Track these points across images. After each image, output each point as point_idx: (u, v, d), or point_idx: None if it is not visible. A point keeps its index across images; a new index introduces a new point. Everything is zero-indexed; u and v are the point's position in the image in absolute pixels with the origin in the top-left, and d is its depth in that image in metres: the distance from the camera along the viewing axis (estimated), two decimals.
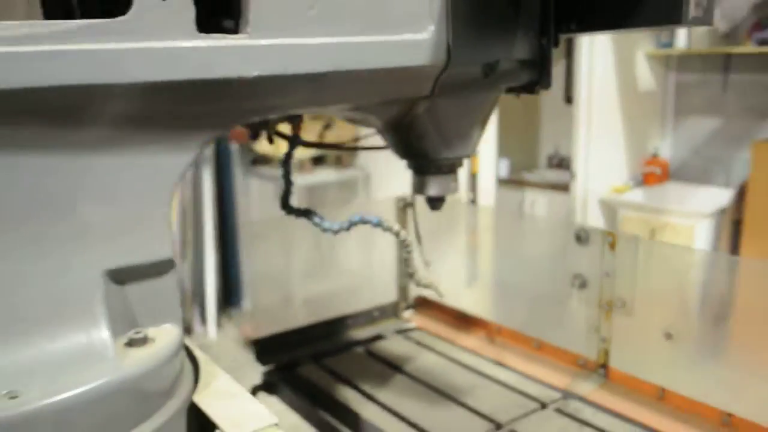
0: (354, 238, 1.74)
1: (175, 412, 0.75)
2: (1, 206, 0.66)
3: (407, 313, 1.78)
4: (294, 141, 1.06)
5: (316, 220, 1.02)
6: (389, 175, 3.78)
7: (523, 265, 1.63)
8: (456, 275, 1.77)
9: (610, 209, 4.04)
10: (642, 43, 4.14)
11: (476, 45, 0.93)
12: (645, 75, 4.22)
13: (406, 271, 1.10)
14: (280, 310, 1.72)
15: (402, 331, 1.69)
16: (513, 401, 1.31)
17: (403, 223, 1.74)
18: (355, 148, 1.23)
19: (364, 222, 1.02)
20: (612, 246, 1.34)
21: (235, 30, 0.74)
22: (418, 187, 1.11)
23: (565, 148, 4.54)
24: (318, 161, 4.25)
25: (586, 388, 1.33)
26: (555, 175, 4.61)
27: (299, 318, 1.67)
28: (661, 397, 1.25)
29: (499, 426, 1.22)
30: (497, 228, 1.73)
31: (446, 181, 1.11)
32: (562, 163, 4.74)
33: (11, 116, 0.65)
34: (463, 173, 3.03)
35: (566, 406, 1.28)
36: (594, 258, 1.37)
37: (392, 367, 1.49)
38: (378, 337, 1.66)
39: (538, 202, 4.48)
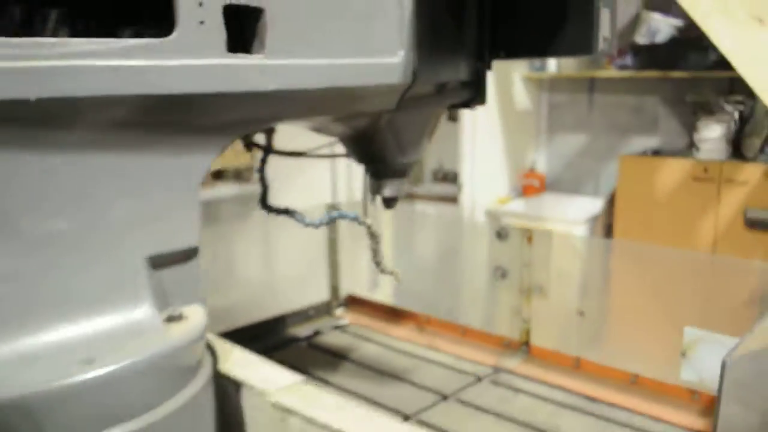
0: (288, 240, 1.87)
1: (207, 379, 0.86)
2: (63, 201, 0.76)
3: (339, 311, 1.92)
4: (268, 150, 1.19)
5: (298, 217, 1.15)
6: (288, 188, 3.90)
7: (448, 261, 1.82)
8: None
9: (495, 219, 4.36)
10: (518, 66, 4.51)
11: (433, 68, 1.10)
12: (521, 95, 4.60)
13: (373, 259, 1.25)
14: (222, 311, 1.81)
15: (337, 327, 1.83)
16: (452, 377, 1.49)
17: (332, 227, 1.89)
18: (320, 156, 1.37)
19: (342, 217, 1.17)
20: (529, 240, 1.55)
21: None
22: (375, 189, 1.27)
23: (449, 163, 4.83)
24: (218, 176, 4.28)
25: (513, 363, 1.53)
26: (441, 188, 4.89)
27: (240, 318, 1.77)
28: (577, 366, 1.47)
29: (445, 396, 1.39)
30: (422, 229, 1.91)
31: (400, 183, 1.27)
32: (446, 176, 5.03)
33: (70, 122, 0.75)
34: (358, 187, 3.23)
35: (498, 378, 1.47)
36: (513, 251, 1.58)
37: (337, 356, 1.63)
38: (317, 333, 1.79)
39: (429, 213, 4.74)
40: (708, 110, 3.78)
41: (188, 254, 0.89)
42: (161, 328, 0.81)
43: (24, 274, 0.73)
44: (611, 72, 4.24)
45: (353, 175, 3.58)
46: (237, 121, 0.91)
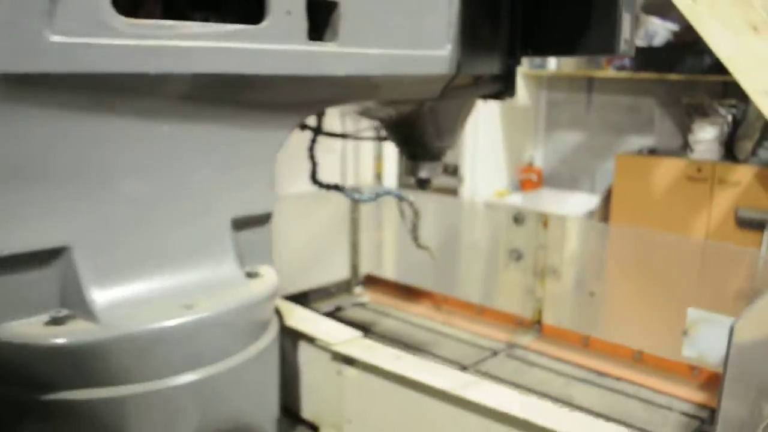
0: (309, 221, 1.97)
1: (276, 333, 0.97)
2: (162, 166, 0.86)
3: (358, 289, 2.03)
4: (318, 131, 1.29)
5: (347, 192, 1.26)
6: (298, 173, 3.99)
7: (465, 243, 1.93)
8: (406, 254, 2.04)
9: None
10: None
11: (473, 61, 1.21)
12: (521, 92, 4.71)
13: (412, 234, 1.36)
14: None
15: (357, 304, 1.94)
16: (469, 350, 1.60)
17: (353, 208, 2.00)
18: (360, 138, 1.48)
19: (388, 193, 1.28)
20: (545, 224, 1.67)
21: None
22: (411, 171, 1.38)
23: (450, 156, 4.94)
24: None
25: (526, 339, 1.65)
26: (440, 180, 5.01)
27: None
28: (586, 344, 1.58)
29: (464, 367, 1.50)
30: (438, 214, 2.02)
31: (435, 165, 1.38)
32: (447, 169, 5.15)
33: (174, 95, 0.84)
34: (368, 175, 3.33)
35: (513, 353, 1.59)
36: (529, 235, 1.69)
37: (358, 330, 1.73)
38: (338, 309, 1.89)
39: (447, 200, 4.86)
40: (702, 112, 3.91)
41: (263, 219, 0.99)
42: (244, 282, 0.91)
43: (129, 229, 0.83)
44: (609, 72, 4.36)
45: (361, 161, 3.67)
46: (309, 101, 1.01)
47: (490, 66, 1.28)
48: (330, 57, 0.95)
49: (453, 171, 4.73)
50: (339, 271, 2.03)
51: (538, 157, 4.88)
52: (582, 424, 0.83)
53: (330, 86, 1.00)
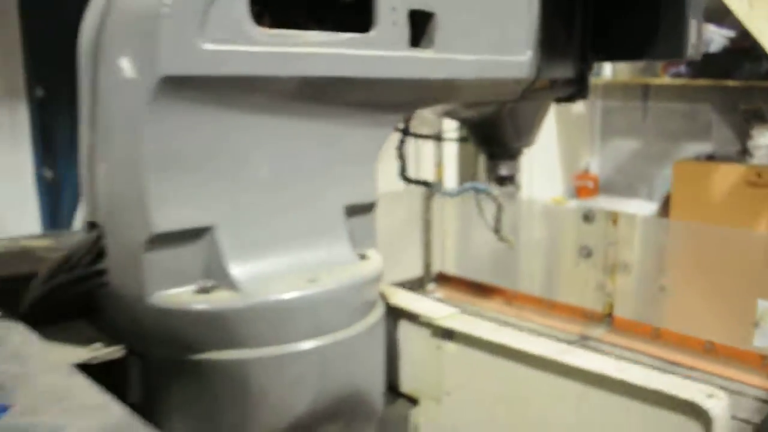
0: (384, 221, 2.08)
1: (383, 311, 1.07)
2: (286, 157, 0.97)
3: (431, 286, 2.13)
4: (406, 131, 1.40)
5: (435, 187, 1.36)
6: None
7: (534, 241, 2.02)
8: (476, 252, 2.13)
9: None
10: None
11: (550, 66, 1.30)
12: None
13: (495, 227, 1.45)
14: None
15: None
16: None
17: (426, 208, 2.10)
18: (440, 139, 1.58)
19: (475, 188, 1.38)
20: (614, 222, 1.74)
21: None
22: (491, 169, 1.48)
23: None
24: None
25: (598, 332, 1.72)
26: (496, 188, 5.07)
27: None
28: (657, 336, 1.65)
29: None
30: (511, 212, 2.10)
31: (514, 164, 1.48)
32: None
33: (300, 96, 0.96)
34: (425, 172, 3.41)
35: (586, 344, 1.66)
36: (599, 232, 1.77)
37: None
38: None
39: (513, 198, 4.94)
40: (761, 117, 3.91)
41: (369, 207, 1.10)
42: (357, 262, 1.02)
43: (261, 212, 0.95)
44: (665, 80, 4.39)
45: (422, 167, 3.78)
46: (408, 102, 1.12)
47: (565, 70, 1.37)
48: (427, 62, 1.06)
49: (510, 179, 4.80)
50: (412, 269, 2.13)
51: (594, 165, 4.92)
52: (679, 385, 0.90)
53: (425, 89, 1.10)
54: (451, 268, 2.13)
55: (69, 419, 0.67)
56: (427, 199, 2.08)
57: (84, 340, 0.92)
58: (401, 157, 1.40)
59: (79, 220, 3.39)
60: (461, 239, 2.12)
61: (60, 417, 0.67)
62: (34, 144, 2.56)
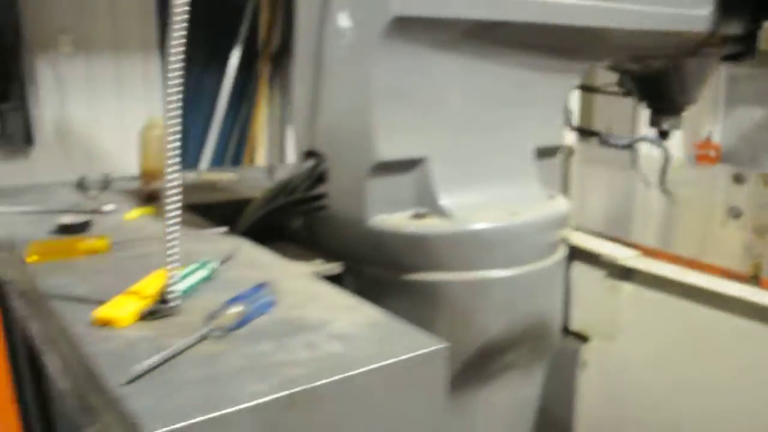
0: None
1: (566, 250, 1.13)
2: (490, 102, 1.04)
3: None
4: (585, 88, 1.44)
5: (605, 137, 1.40)
6: None
7: (678, 200, 2.02)
8: (616, 210, 2.16)
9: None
10: None
11: (726, 22, 1.30)
12: None
13: (660, 178, 1.48)
14: None
15: None
16: None
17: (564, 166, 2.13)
18: (608, 92, 1.61)
19: (642, 139, 1.42)
20: (766, 184, 1.73)
21: None
22: (654, 122, 1.50)
23: (618, 128, 4.92)
24: None
25: None
26: (615, 155, 4.99)
27: None
28: None
29: None
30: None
31: (676, 119, 1.50)
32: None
33: (510, 42, 1.02)
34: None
35: None
36: (749, 194, 1.76)
37: None
38: None
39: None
40: None
41: (555, 150, 1.16)
42: (548, 201, 1.09)
43: (466, 149, 1.03)
44: None
45: None
46: (592, 51, 1.16)
47: (738, 27, 1.37)
48: (616, 12, 1.10)
49: (628, 145, 4.72)
50: None
51: (717, 133, 4.75)
52: None
53: (613, 38, 1.14)
54: (589, 225, 2.16)
55: (332, 314, 0.76)
56: (567, 157, 2.11)
57: (299, 257, 1.01)
58: (568, 110, 1.44)
59: (205, 159, 3.64)
60: (600, 196, 2.15)
61: (323, 312, 0.77)
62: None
